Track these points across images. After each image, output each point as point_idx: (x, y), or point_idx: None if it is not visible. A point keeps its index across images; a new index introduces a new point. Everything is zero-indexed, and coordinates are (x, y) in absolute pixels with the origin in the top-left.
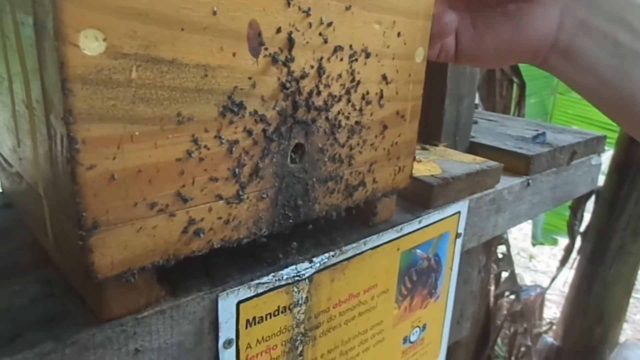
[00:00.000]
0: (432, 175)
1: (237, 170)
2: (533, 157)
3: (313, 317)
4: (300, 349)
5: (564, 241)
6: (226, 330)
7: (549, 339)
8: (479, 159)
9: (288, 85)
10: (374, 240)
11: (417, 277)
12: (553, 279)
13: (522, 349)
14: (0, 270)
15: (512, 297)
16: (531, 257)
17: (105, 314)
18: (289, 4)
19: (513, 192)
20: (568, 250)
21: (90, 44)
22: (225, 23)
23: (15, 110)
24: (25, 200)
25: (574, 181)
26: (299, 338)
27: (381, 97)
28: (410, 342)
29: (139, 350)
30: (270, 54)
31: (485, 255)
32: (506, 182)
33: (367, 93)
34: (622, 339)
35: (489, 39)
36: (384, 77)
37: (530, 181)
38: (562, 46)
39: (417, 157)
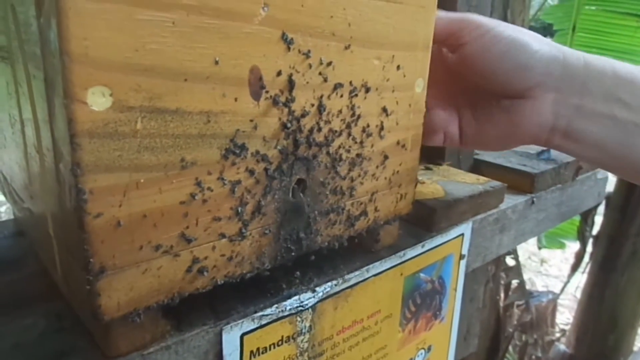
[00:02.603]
0: (434, 199)
1: (239, 209)
2: (537, 175)
3: (317, 345)
4: None
5: (571, 244)
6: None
7: (562, 346)
8: (482, 178)
9: (289, 124)
10: (377, 267)
11: (421, 300)
12: (564, 285)
13: (533, 358)
14: (11, 300)
15: (524, 306)
16: (542, 261)
17: (112, 351)
18: (289, 48)
19: (517, 210)
20: (579, 256)
21: (97, 100)
22: (227, 71)
23: (27, 151)
24: (36, 234)
25: (580, 196)
26: None
27: (381, 128)
28: None
29: None
30: (271, 96)
31: (495, 265)
32: (510, 201)
33: (368, 126)
34: (637, 346)
35: (489, 129)
36: (384, 110)
37: (534, 199)
38: (562, 129)
39: (420, 178)
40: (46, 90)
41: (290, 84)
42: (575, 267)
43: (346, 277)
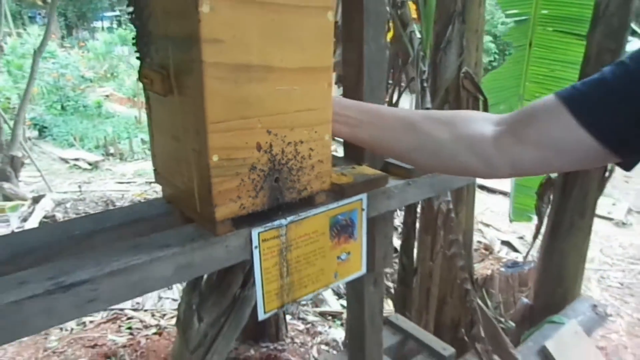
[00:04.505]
0: (346, 183)
1: (255, 187)
2: (412, 170)
3: (289, 241)
4: (284, 253)
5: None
6: (254, 242)
7: (525, 299)
8: (377, 172)
9: (271, 158)
10: (314, 211)
11: (341, 228)
12: (528, 252)
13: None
14: (174, 225)
15: (503, 270)
16: None
17: (217, 233)
18: (269, 134)
19: (398, 187)
20: (538, 228)
21: (215, 158)
22: (250, 145)
23: (186, 169)
24: (183, 200)
25: (449, 179)
26: (283, 249)
27: (310, 156)
28: (341, 259)
29: (227, 246)
30: (264, 150)
31: (444, 230)
32: (395, 182)
33: (303, 156)
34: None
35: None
36: (311, 148)
37: (410, 182)
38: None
39: (344, 172)
40: (198, 155)
41: (271, 145)
42: (535, 237)
43: (300, 214)
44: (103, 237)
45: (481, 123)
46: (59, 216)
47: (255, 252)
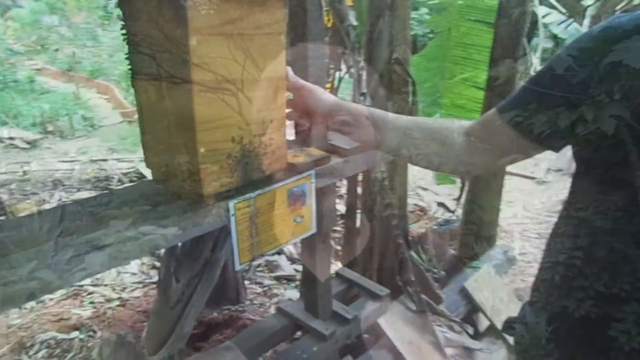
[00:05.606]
0: (300, 162)
1: (232, 170)
2: (348, 150)
3: (256, 209)
4: (253, 219)
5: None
6: (231, 211)
7: (452, 251)
8: (323, 153)
9: (242, 148)
10: (275, 186)
11: (296, 197)
12: (454, 211)
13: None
14: (169, 200)
15: (435, 228)
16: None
17: (206, 205)
18: (240, 129)
19: (339, 164)
20: (461, 190)
21: (202, 150)
22: (227, 138)
23: (177, 153)
24: (172, 180)
25: (376, 155)
26: (253, 215)
27: (271, 144)
28: (297, 222)
29: (212, 214)
30: (237, 142)
31: (380, 196)
32: (335, 160)
33: (266, 144)
34: (495, 246)
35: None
36: (271, 138)
37: (347, 159)
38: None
39: (297, 154)
40: (188, 148)
41: (242, 138)
42: (459, 197)
43: (265, 189)
44: (117, 211)
45: (459, 134)
46: (5, 197)
47: (232, 219)
